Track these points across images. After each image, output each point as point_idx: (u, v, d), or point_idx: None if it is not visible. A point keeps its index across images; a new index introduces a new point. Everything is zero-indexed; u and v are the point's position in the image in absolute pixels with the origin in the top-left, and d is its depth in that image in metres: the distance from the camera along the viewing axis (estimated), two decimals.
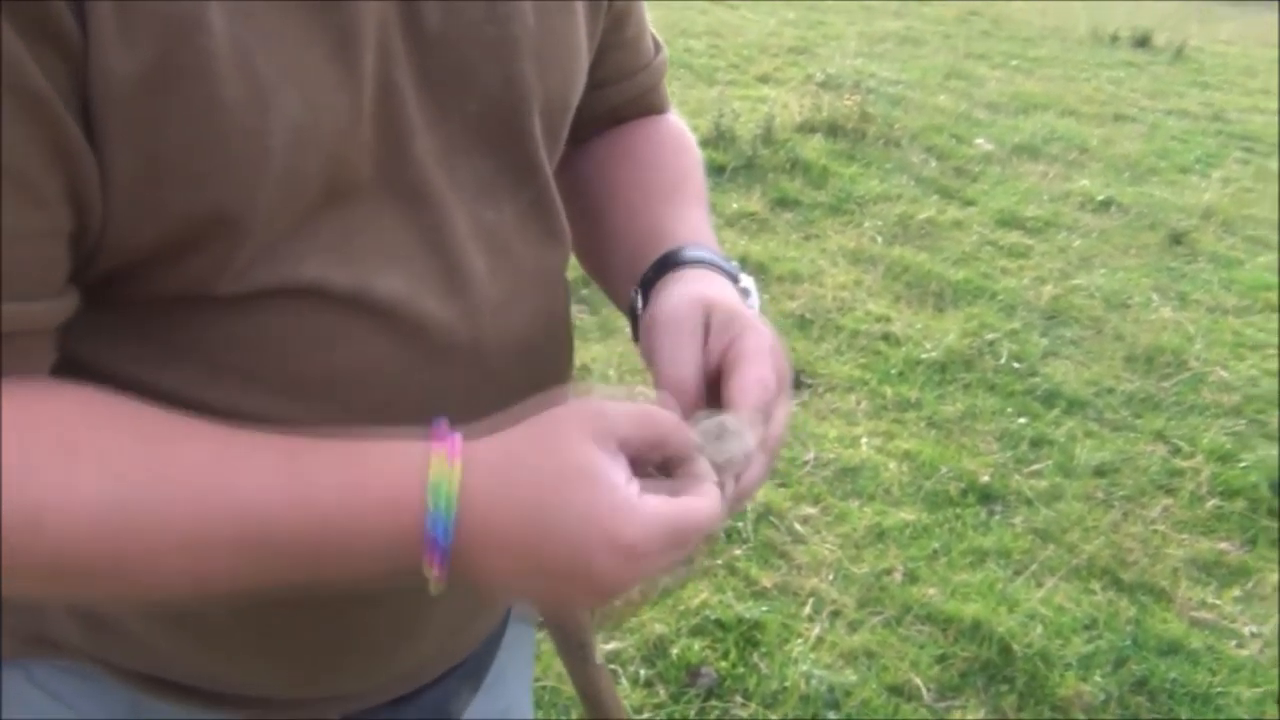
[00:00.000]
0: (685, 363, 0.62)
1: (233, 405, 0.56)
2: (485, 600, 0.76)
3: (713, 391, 0.62)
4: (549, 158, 0.69)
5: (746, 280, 0.71)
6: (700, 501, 0.54)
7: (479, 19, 0.61)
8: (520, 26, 0.63)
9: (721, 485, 0.57)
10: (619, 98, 0.80)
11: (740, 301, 0.66)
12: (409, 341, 0.60)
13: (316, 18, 0.53)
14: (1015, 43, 9.85)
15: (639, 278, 0.70)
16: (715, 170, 4.95)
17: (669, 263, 0.69)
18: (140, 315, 0.56)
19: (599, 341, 3.24)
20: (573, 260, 0.76)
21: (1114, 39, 9.96)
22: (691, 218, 0.73)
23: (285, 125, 0.52)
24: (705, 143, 5.22)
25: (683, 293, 0.66)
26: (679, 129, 0.85)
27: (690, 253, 0.69)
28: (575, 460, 0.51)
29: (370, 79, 0.56)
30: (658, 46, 0.85)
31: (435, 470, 0.51)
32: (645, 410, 0.56)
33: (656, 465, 0.56)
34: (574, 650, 1.12)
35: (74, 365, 0.54)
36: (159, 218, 0.51)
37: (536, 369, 0.68)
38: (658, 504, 0.52)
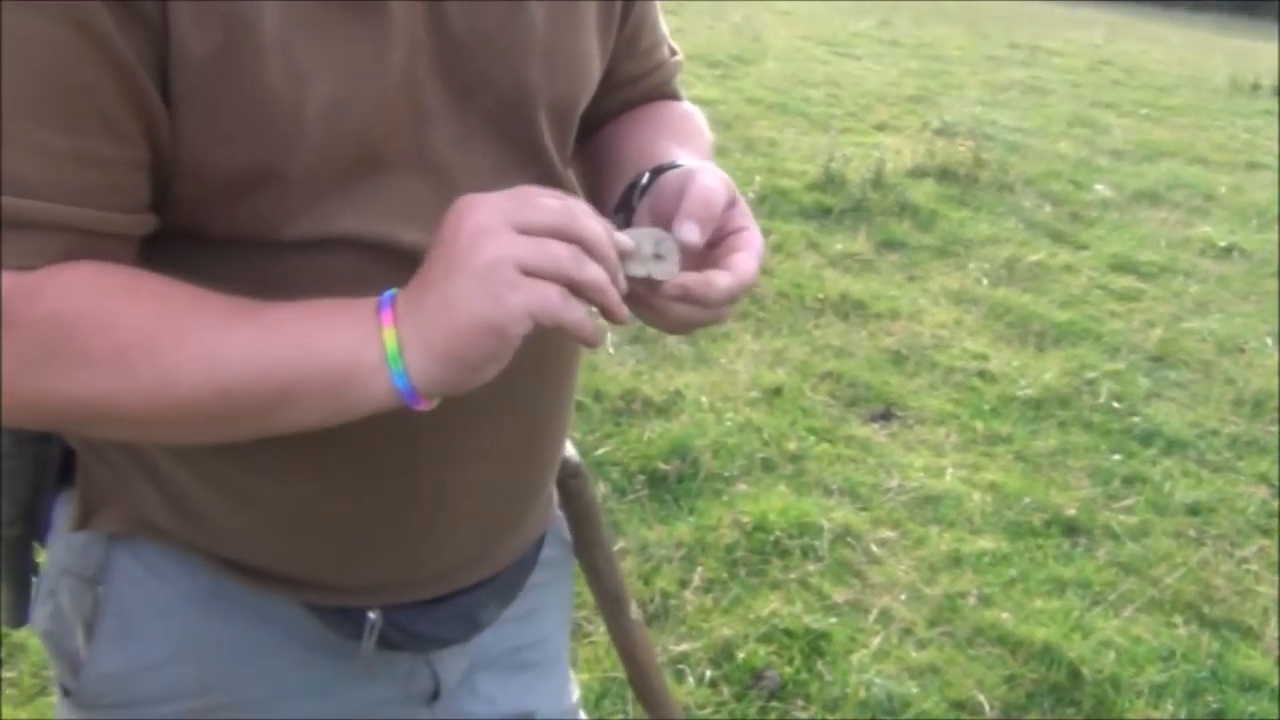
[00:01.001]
0: (718, 204, 0.73)
1: None
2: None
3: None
4: (557, 146, 0.82)
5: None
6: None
7: (495, 28, 0.74)
8: (531, 36, 0.76)
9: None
10: (632, 94, 0.93)
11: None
12: None
13: (355, 19, 0.68)
14: (1148, 91, 9.66)
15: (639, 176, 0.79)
16: (821, 212, 5.04)
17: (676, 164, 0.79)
18: (216, 254, 0.71)
19: (694, 370, 3.36)
20: None
21: (1254, 88, 9.67)
22: (693, 156, 0.82)
23: (319, 102, 0.67)
24: (813, 186, 5.32)
25: (713, 170, 0.76)
26: (689, 107, 0.97)
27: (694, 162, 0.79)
28: (464, 214, 0.65)
29: (398, 72, 0.70)
30: (673, 52, 0.97)
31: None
32: (537, 196, 0.66)
33: None
34: (610, 603, 1.23)
35: None
36: (218, 165, 0.66)
37: None
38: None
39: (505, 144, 0.77)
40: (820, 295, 4.09)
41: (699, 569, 2.40)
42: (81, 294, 0.64)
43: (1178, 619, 2.43)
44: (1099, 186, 6.05)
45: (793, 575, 2.43)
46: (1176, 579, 2.56)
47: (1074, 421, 3.33)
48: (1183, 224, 5.50)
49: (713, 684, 2.08)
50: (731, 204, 0.74)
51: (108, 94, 0.62)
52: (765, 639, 2.20)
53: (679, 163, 0.78)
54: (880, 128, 7.04)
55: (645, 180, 0.78)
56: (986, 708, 2.09)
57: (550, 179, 0.81)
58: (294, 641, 0.86)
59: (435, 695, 0.95)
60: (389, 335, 0.64)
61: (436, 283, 0.63)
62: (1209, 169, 6.69)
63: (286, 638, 0.86)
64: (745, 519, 2.59)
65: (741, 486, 2.77)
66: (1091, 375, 3.61)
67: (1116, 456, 3.12)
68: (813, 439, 3.07)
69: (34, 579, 0.89)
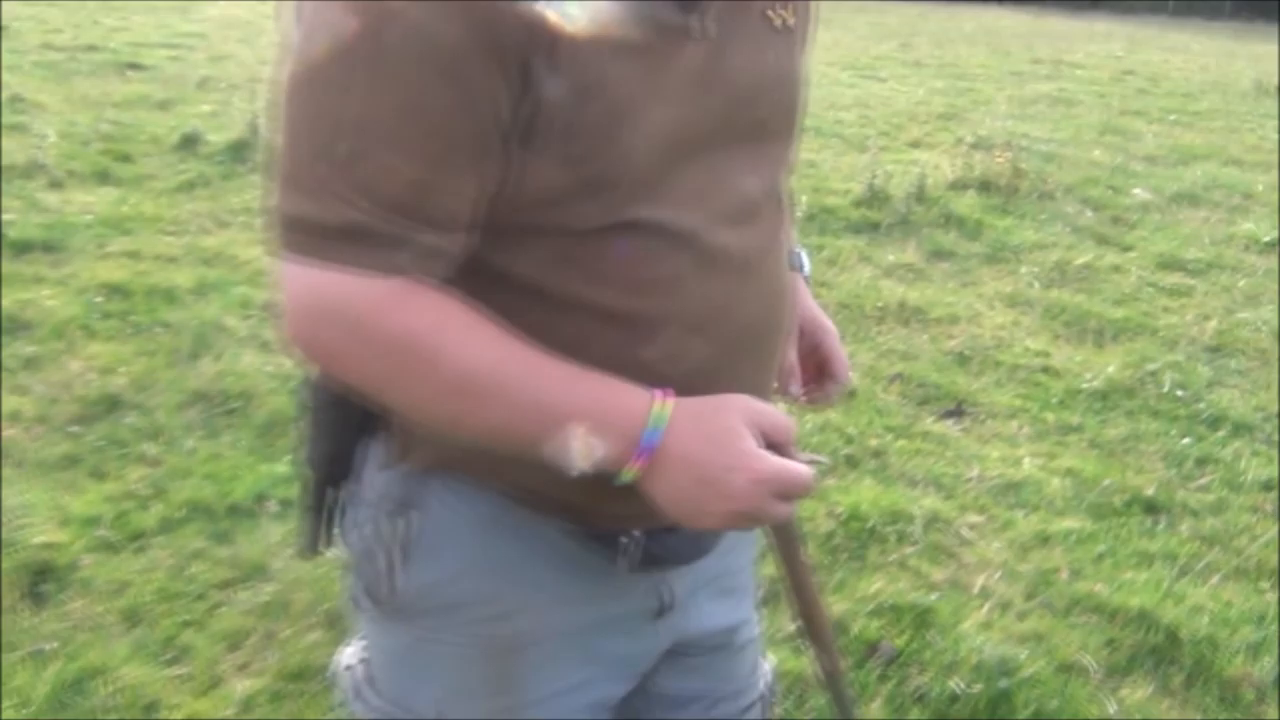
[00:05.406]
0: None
1: (598, 298, 0.87)
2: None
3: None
4: (790, 151, 1.02)
5: (803, 258, 1.16)
6: (801, 467, 0.86)
7: (760, 61, 0.93)
8: (791, 65, 0.97)
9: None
10: None
11: (817, 309, 1.16)
12: (700, 259, 0.89)
13: (665, 64, 0.85)
14: (1174, 98, 9.78)
15: None
16: (870, 227, 5.19)
17: None
18: (552, 241, 0.87)
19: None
20: None
21: None
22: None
23: (644, 129, 0.84)
24: (859, 203, 5.47)
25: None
26: None
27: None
28: (733, 427, 0.84)
29: (694, 95, 0.88)
30: None
31: (656, 405, 0.84)
32: (779, 418, 0.87)
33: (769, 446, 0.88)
34: (785, 544, 1.37)
35: (507, 278, 0.86)
36: (561, 177, 0.82)
37: (777, 289, 0.99)
38: (777, 458, 0.84)
39: (761, 149, 0.96)
40: (879, 304, 4.23)
41: None
42: (429, 320, 0.81)
43: (1264, 584, 2.53)
44: (1137, 190, 6.18)
45: (891, 558, 2.55)
46: (1259, 549, 2.67)
47: (1141, 410, 3.44)
48: (1224, 222, 5.61)
49: None
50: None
51: (467, 135, 0.78)
52: (875, 614, 2.32)
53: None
54: (915, 145, 7.20)
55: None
56: (1092, 669, 2.20)
57: (785, 172, 1.02)
58: (560, 559, 1.00)
59: (660, 613, 1.09)
60: (631, 472, 0.86)
61: (700, 485, 0.84)
62: (1244, 169, 6.80)
63: (554, 557, 1.00)
64: (839, 509, 2.72)
65: (829, 481, 2.90)
66: (1153, 367, 3.73)
67: (1187, 440, 3.23)
68: (891, 436, 3.20)
69: (329, 515, 1.04)
